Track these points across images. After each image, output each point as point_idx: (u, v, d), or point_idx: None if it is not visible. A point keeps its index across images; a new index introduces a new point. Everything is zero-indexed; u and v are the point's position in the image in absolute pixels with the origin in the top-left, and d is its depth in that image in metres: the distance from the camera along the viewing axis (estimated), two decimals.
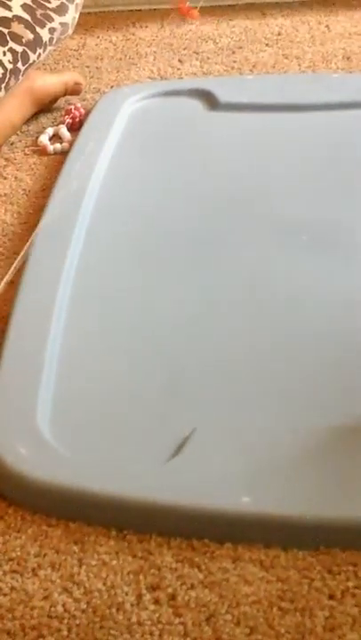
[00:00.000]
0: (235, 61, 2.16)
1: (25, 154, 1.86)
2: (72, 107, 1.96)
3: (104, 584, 1.04)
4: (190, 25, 2.31)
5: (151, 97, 1.96)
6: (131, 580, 1.04)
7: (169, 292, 1.44)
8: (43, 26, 1.91)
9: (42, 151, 1.86)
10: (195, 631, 0.99)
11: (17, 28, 1.87)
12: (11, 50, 1.83)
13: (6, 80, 1.82)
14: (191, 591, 1.03)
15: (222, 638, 0.98)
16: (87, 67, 2.18)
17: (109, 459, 1.16)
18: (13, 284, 1.47)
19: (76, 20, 2.00)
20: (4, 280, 1.49)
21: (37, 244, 1.53)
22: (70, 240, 1.53)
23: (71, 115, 1.94)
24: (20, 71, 1.85)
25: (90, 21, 2.35)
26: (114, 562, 1.06)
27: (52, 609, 1.02)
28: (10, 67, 1.82)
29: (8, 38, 1.84)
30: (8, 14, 1.88)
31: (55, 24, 1.93)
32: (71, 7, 1.98)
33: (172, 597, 1.02)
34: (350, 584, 1.03)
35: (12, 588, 1.04)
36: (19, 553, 1.08)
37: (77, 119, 1.93)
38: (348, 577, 1.03)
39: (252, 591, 1.02)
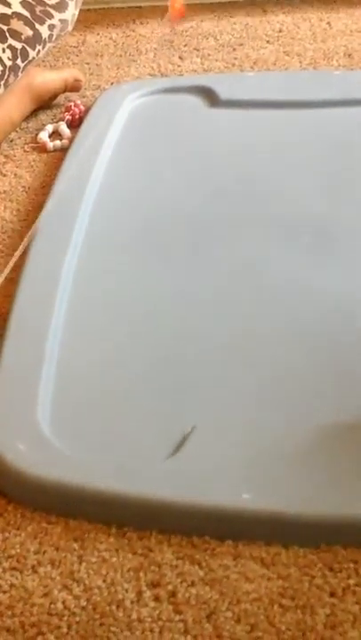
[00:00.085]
0: (235, 58, 2.16)
1: (24, 151, 1.85)
2: (72, 103, 1.95)
3: (104, 581, 1.04)
4: (191, 22, 2.30)
5: (151, 94, 1.95)
6: (131, 577, 1.04)
7: (169, 289, 1.44)
8: (42, 22, 1.90)
9: (41, 148, 1.86)
10: (195, 628, 0.98)
11: (16, 24, 1.87)
12: (10, 47, 1.83)
13: (5, 77, 1.81)
14: (192, 588, 1.02)
15: (223, 635, 0.98)
16: (87, 63, 2.17)
17: (109, 456, 1.16)
18: (13, 281, 1.47)
19: (76, 16, 2.00)
20: (3, 276, 1.48)
21: (37, 240, 1.53)
22: (70, 236, 1.52)
23: (71, 111, 1.93)
24: (19, 68, 1.84)
25: (90, 18, 2.35)
26: (114, 559, 1.06)
27: (52, 606, 1.01)
28: (9, 63, 1.82)
29: (7, 35, 1.84)
30: (7, 11, 1.87)
31: (55, 21, 1.93)
32: (71, 4, 1.97)
33: (173, 594, 1.02)
34: (351, 581, 1.02)
35: (12, 586, 1.04)
36: (18, 550, 1.08)
37: (77, 116, 1.93)
38: (350, 574, 1.03)
39: (252, 588, 1.02)
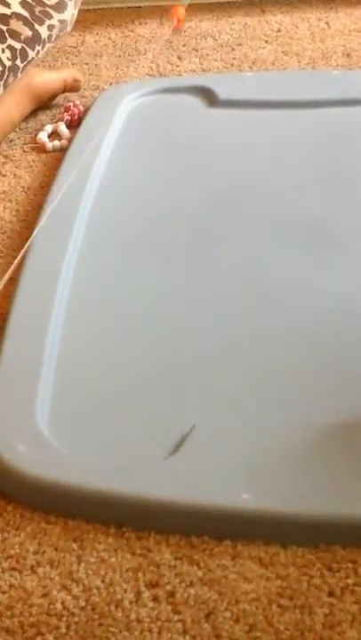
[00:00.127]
0: (234, 58, 2.16)
1: (24, 151, 1.85)
2: (71, 104, 1.96)
3: (103, 581, 1.04)
4: (190, 22, 2.30)
5: (150, 94, 1.96)
6: (129, 578, 1.04)
7: (168, 289, 1.44)
8: (41, 23, 1.90)
9: (40, 148, 1.86)
10: (194, 628, 0.99)
11: (15, 25, 1.87)
12: (9, 47, 1.83)
13: (5, 77, 1.81)
14: (190, 588, 1.02)
15: (221, 635, 0.98)
16: (86, 64, 2.17)
17: (108, 456, 1.16)
18: (12, 281, 1.47)
19: (75, 16, 2.00)
20: (4, 278, 1.48)
21: (36, 240, 1.53)
22: (69, 237, 1.52)
23: (70, 112, 1.94)
24: (18, 68, 1.84)
25: (89, 18, 2.35)
26: (112, 559, 1.06)
27: (51, 606, 1.02)
28: (8, 64, 1.82)
29: (7, 35, 1.84)
30: (6, 11, 1.87)
31: (54, 21, 1.93)
32: (70, 4, 1.97)
33: (171, 595, 1.02)
34: (350, 581, 1.02)
35: (11, 586, 1.04)
36: (17, 550, 1.08)
37: (76, 116, 1.93)
38: (348, 574, 1.03)
39: (251, 588, 1.02)
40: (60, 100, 2.00)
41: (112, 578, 1.04)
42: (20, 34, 1.86)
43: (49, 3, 1.94)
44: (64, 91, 2.00)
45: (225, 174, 1.71)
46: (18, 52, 1.84)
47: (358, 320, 1.36)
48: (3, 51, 1.82)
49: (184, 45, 2.22)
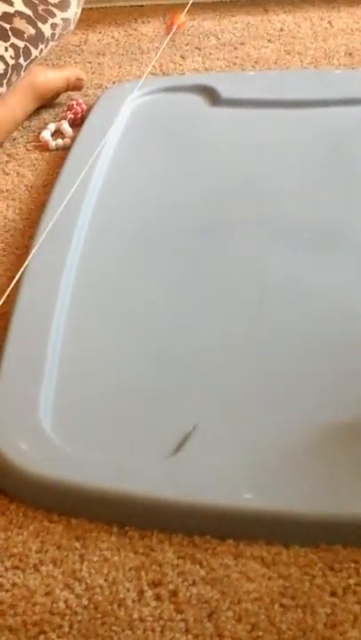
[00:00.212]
0: (237, 57, 2.16)
1: (27, 149, 1.86)
2: (74, 102, 1.96)
3: (106, 580, 1.04)
4: (192, 21, 2.30)
5: (153, 93, 1.96)
6: (132, 577, 1.04)
7: (170, 289, 1.44)
8: (45, 21, 1.91)
9: (44, 147, 1.86)
10: (196, 627, 0.99)
11: (19, 23, 1.87)
12: (12, 45, 1.83)
13: (8, 76, 1.81)
14: (193, 587, 1.03)
15: (224, 635, 0.98)
16: (89, 62, 2.17)
17: (111, 455, 1.16)
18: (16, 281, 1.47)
19: (78, 15, 2.00)
20: (14, 280, 1.49)
21: (39, 240, 1.53)
22: (72, 236, 1.52)
23: (73, 110, 1.94)
24: (21, 67, 1.85)
25: (92, 17, 2.35)
26: (115, 558, 1.06)
27: (54, 605, 1.02)
28: (12, 62, 1.82)
29: (10, 34, 1.84)
30: (10, 10, 1.88)
31: (57, 19, 1.93)
32: (73, 2, 1.97)
33: (174, 594, 1.02)
34: (352, 581, 1.03)
35: (14, 584, 1.04)
36: (20, 549, 1.08)
37: (79, 115, 1.93)
38: (350, 574, 1.03)
39: (253, 588, 1.02)
40: (63, 98, 2.00)
41: (115, 577, 1.04)
42: (24, 32, 1.86)
43: (52, 1, 1.94)
44: (67, 89, 2.00)
45: (227, 173, 1.71)
46: (21, 50, 1.84)
47: (359, 320, 1.36)
48: (6, 49, 1.82)
49: (187, 44, 2.22)
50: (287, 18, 2.32)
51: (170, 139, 1.82)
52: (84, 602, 1.02)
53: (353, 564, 1.04)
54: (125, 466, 1.14)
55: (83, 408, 1.24)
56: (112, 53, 2.21)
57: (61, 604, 1.02)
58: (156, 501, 1.10)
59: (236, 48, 2.20)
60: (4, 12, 1.86)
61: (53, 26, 1.92)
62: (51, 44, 1.93)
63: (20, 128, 1.91)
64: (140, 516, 1.10)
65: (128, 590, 1.03)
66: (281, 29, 2.27)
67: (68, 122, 1.91)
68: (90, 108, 1.93)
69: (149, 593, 1.02)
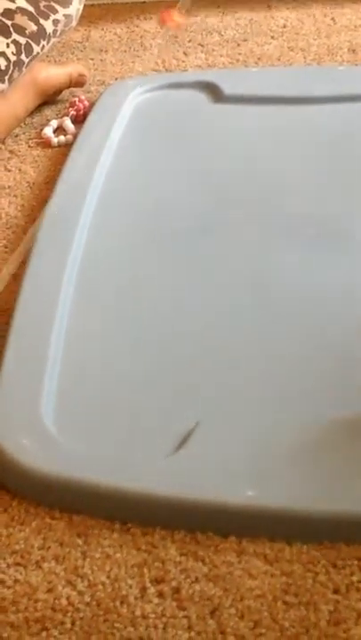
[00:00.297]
0: (240, 54, 2.16)
1: (29, 146, 1.85)
2: (76, 99, 1.95)
3: (108, 577, 1.04)
4: (195, 17, 2.30)
5: (156, 89, 1.95)
6: (135, 573, 1.04)
7: (172, 285, 1.44)
8: (46, 18, 1.90)
9: (46, 143, 1.86)
10: (199, 625, 0.99)
11: (20, 19, 1.87)
12: (14, 42, 1.83)
13: (10, 72, 1.81)
14: (195, 584, 1.02)
15: (226, 632, 0.98)
16: (91, 59, 2.17)
17: (113, 451, 1.16)
18: (18, 277, 1.47)
19: (80, 11, 2.00)
20: (8, 272, 1.49)
21: (41, 236, 1.53)
22: (74, 233, 1.52)
23: (75, 107, 1.93)
24: (23, 63, 1.84)
25: (94, 13, 2.35)
26: (118, 555, 1.06)
27: (56, 602, 1.02)
28: (13, 59, 1.82)
29: (11, 30, 1.84)
30: (11, 6, 1.87)
31: (59, 16, 1.93)
32: None
33: (177, 591, 1.02)
34: (355, 578, 1.02)
35: (16, 581, 1.04)
36: (22, 545, 1.08)
37: (81, 111, 1.93)
38: (353, 571, 1.03)
39: (256, 585, 1.02)
40: (65, 95, 2.00)
41: (117, 573, 1.04)
42: (25, 28, 1.86)
43: None
44: (69, 86, 2.00)
45: (230, 169, 1.70)
46: (23, 46, 1.84)
47: None
48: (7, 45, 1.82)
49: (190, 41, 2.22)
50: (290, 14, 2.32)
51: (172, 135, 1.82)
52: (87, 599, 1.02)
53: (356, 562, 1.04)
54: (128, 462, 1.14)
55: (85, 404, 1.23)
56: (114, 50, 2.20)
57: (63, 601, 1.02)
58: (158, 498, 1.10)
59: (239, 44, 2.20)
60: (5, 9, 1.86)
61: (55, 22, 1.92)
62: (53, 40, 1.93)
63: (22, 124, 1.91)
64: (143, 512, 1.10)
65: (130, 587, 1.03)
66: (284, 26, 2.27)
67: (71, 118, 1.91)
68: (92, 105, 1.93)
69: (152, 590, 1.02)
